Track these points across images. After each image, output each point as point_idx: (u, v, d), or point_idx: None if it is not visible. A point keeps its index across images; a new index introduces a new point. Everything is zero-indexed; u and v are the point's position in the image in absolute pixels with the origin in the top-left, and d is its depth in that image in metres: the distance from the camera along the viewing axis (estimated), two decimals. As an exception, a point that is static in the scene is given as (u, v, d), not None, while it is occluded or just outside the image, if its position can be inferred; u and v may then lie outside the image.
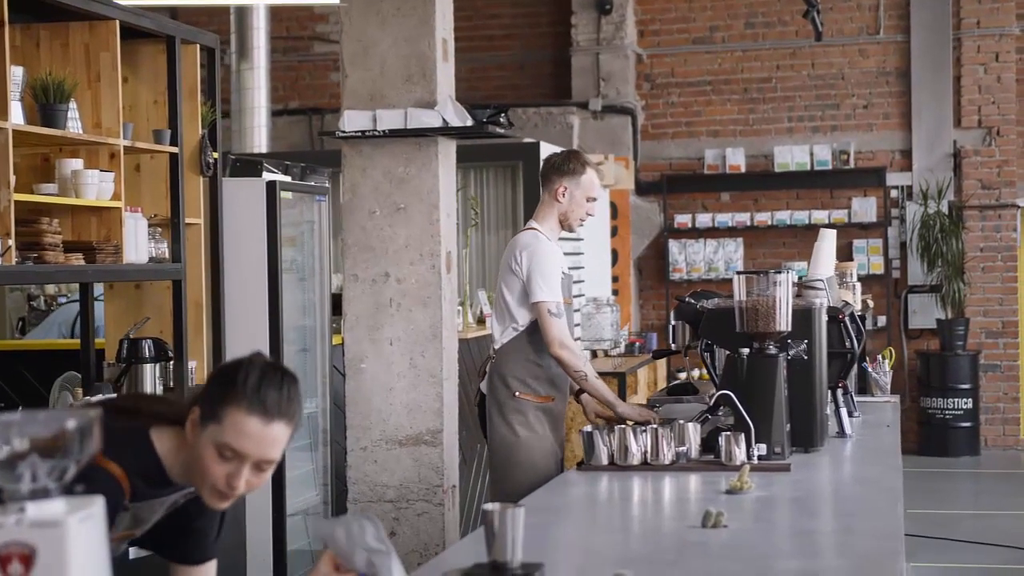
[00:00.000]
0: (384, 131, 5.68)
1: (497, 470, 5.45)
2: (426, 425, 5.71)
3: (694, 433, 4.47)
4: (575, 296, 10.10)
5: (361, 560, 2.40)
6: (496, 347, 5.45)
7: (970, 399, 12.54)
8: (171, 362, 5.71)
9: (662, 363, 11.25)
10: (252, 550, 6.26)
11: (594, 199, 5.45)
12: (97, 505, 1.83)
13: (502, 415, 5.37)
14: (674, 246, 13.23)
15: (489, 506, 2.83)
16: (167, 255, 5.74)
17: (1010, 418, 12.93)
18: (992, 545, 8.73)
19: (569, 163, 5.45)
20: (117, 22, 5.38)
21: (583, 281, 10.69)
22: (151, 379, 5.53)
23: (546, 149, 9.24)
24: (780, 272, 4.55)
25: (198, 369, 5.99)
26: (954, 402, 12.51)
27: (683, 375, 10.38)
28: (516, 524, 2.82)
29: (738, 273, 4.59)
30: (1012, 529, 9.36)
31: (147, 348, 5.55)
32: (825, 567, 3.07)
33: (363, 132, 5.69)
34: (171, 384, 5.73)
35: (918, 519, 9.37)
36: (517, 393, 5.36)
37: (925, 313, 12.89)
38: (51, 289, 8.80)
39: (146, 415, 2.86)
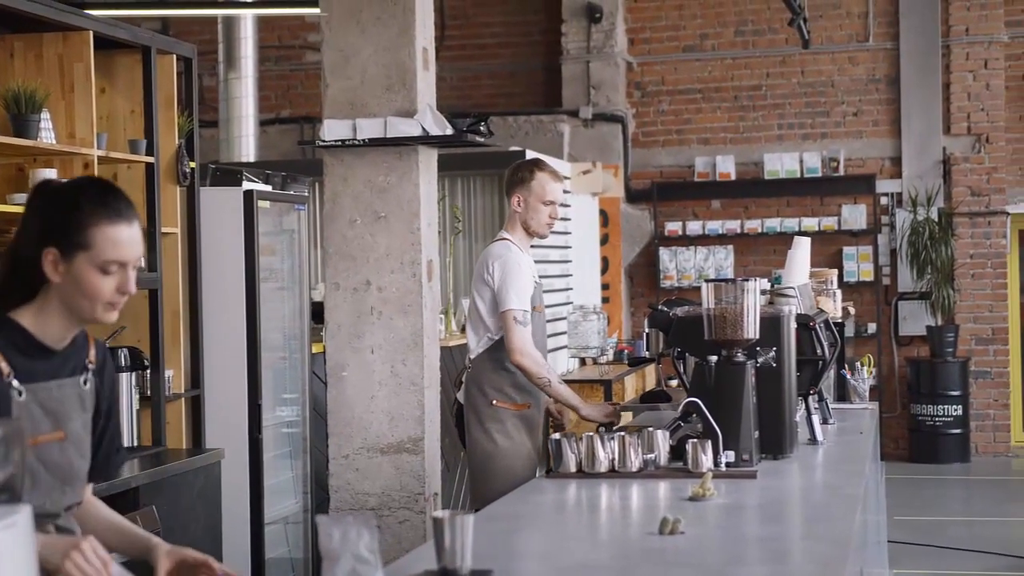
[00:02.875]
0: (364, 140, 5.68)
1: (476, 478, 5.48)
2: (407, 433, 5.71)
3: (663, 440, 4.46)
4: (561, 304, 10.22)
5: (345, 567, 2.40)
6: (471, 356, 5.48)
7: (960, 406, 12.54)
8: (147, 371, 5.73)
9: (651, 370, 11.24)
10: (229, 559, 6.25)
11: (551, 202, 5.47)
12: (23, 514, 1.85)
13: (480, 423, 5.40)
14: (665, 254, 13.24)
15: (438, 513, 2.86)
16: (143, 264, 5.76)
17: (1000, 425, 12.92)
18: (981, 552, 8.73)
19: (518, 173, 5.51)
20: (91, 33, 5.39)
21: (572, 289, 10.69)
22: (127, 388, 5.54)
23: (533, 157, 9.25)
24: (748, 280, 4.56)
25: (175, 378, 6.01)
26: (944, 409, 12.51)
27: (674, 383, 10.36)
28: (465, 531, 2.84)
29: (706, 281, 4.61)
30: (1001, 536, 9.37)
31: (123, 357, 5.56)
32: (773, 572, 3.08)
33: (343, 141, 5.70)
34: (148, 393, 5.74)
35: (907, 526, 9.37)
36: (494, 401, 5.39)
37: (915, 320, 12.89)
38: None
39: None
